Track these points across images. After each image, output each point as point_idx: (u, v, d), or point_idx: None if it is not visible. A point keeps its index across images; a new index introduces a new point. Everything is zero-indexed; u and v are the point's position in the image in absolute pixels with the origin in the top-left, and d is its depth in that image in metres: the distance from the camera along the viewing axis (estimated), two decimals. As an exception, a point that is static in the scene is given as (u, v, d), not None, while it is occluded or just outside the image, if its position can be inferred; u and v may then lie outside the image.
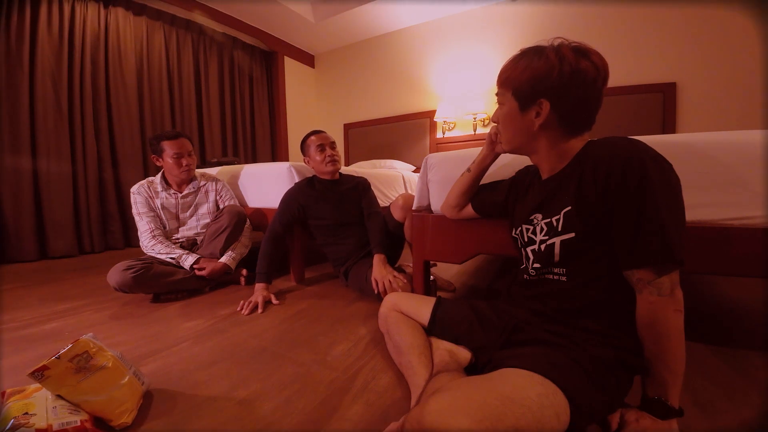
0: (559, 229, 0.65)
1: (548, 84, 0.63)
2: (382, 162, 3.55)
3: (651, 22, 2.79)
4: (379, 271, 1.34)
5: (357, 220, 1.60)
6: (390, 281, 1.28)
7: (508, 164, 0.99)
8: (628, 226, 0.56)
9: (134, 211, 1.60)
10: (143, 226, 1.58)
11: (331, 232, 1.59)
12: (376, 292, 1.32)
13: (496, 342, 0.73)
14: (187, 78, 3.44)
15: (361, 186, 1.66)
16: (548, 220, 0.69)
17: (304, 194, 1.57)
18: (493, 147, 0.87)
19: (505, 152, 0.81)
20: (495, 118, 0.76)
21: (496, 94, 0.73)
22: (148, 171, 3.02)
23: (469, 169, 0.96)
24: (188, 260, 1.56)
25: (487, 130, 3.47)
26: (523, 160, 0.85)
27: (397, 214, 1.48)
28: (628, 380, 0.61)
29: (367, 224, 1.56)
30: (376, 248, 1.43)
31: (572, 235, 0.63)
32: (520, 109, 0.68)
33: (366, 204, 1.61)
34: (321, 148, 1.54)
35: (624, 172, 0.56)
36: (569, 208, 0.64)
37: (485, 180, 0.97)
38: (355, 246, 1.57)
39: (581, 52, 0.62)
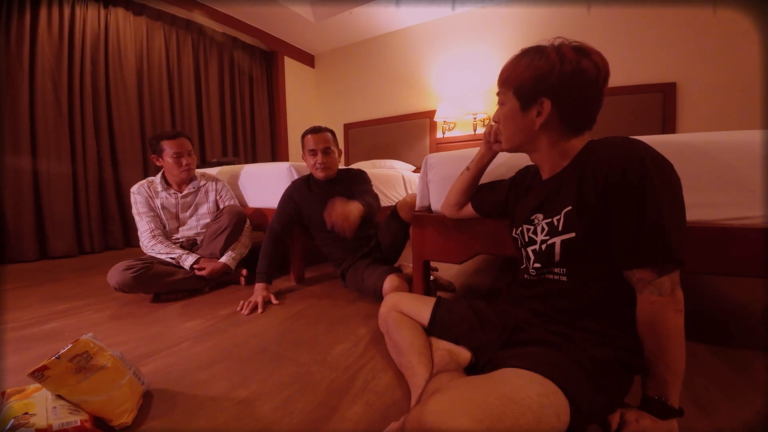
0: (560, 229, 0.65)
1: (549, 83, 0.63)
2: (382, 162, 3.54)
3: (651, 22, 2.79)
4: (335, 205, 1.21)
5: None
6: (347, 219, 1.18)
7: (506, 164, 0.99)
8: (629, 226, 0.56)
9: (134, 211, 1.60)
10: (143, 226, 1.58)
11: (326, 232, 1.56)
12: (328, 227, 1.24)
13: (496, 342, 0.73)
14: (187, 78, 3.44)
15: (356, 179, 1.60)
16: (549, 220, 0.69)
17: (299, 192, 1.56)
18: (489, 146, 0.87)
19: (503, 151, 0.81)
20: (496, 118, 0.76)
21: (497, 94, 0.73)
22: (148, 171, 3.02)
23: (468, 168, 0.95)
24: (188, 260, 1.56)
25: (487, 130, 3.47)
26: (521, 159, 0.85)
27: (404, 215, 1.42)
28: (628, 380, 0.61)
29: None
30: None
31: (573, 234, 0.63)
32: (521, 108, 0.68)
33: (357, 192, 1.52)
34: (312, 153, 1.49)
35: (624, 172, 0.56)
36: (570, 207, 0.64)
37: (485, 179, 0.97)
38: (351, 247, 1.55)
39: (582, 51, 0.62)
